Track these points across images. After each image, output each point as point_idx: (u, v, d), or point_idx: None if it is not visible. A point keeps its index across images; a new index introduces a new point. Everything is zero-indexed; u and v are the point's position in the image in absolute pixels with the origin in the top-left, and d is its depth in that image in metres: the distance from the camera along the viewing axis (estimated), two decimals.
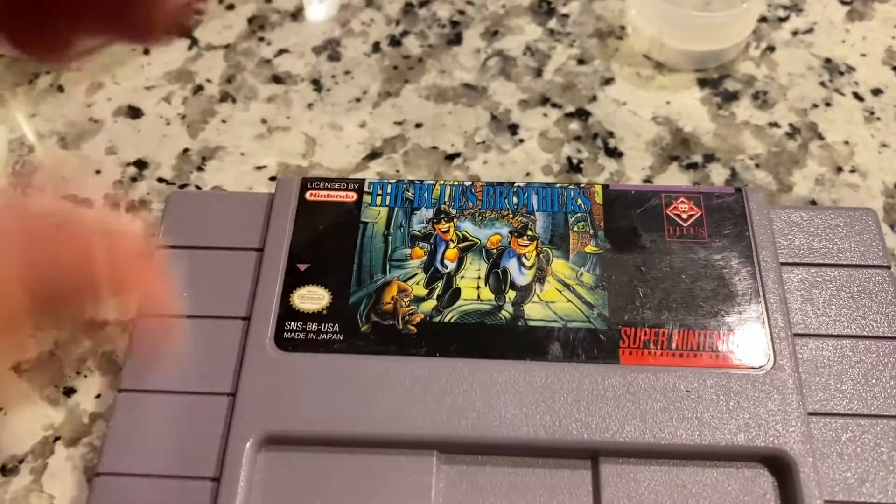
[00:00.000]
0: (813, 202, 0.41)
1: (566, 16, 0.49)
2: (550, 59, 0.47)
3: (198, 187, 0.43)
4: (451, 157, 0.44)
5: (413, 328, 0.35)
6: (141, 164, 0.44)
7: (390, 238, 0.37)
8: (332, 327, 0.35)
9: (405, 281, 0.36)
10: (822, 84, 0.46)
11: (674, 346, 0.34)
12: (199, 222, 0.38)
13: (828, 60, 0.47)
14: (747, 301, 0.35)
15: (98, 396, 0.37)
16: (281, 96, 0.46)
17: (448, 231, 0.37)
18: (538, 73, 0.47)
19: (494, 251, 0.37)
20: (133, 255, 0.30)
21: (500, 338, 0.34)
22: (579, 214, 0.38)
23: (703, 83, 0.46)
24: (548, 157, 0.43)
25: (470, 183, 0.39)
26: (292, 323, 0.35)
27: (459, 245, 0.37)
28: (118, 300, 0.33)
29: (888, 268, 0.36)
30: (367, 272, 0.36)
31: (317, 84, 0.47)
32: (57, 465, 0.35)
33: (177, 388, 0.34)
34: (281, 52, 0.48)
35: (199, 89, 0.47)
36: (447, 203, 0.38)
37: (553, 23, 0.49)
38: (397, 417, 0.33)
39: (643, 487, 0.31)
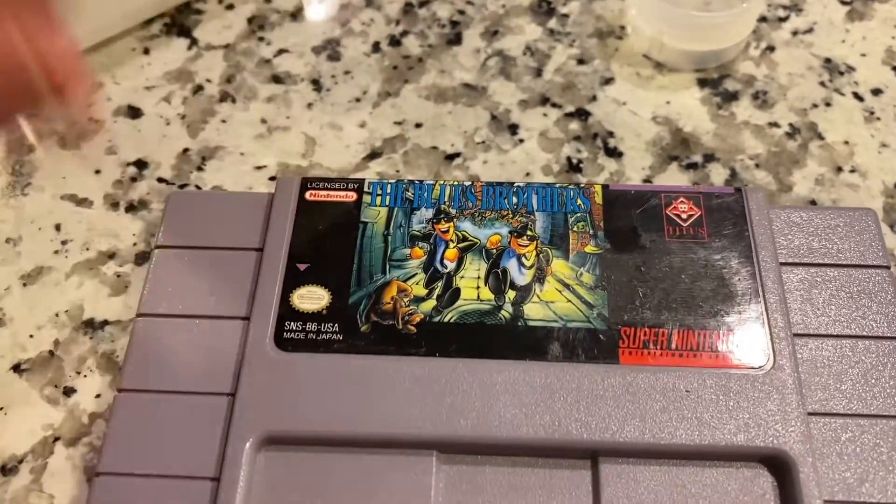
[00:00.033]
0: (813, 202, 0.41)
1: (566, 16, 0.49)
2: (550, 59, 0.47)
3: (198, 187, 0.43)
4: (450, 157, 0.44)
5: (413, 328, 0.35)
6: (141, 164, 0.44)
7: (390, 238, 0.37)
8: (332, 327, 0.35)
9: (405, 281, 0.36)
10: (822, 84, 0.46)
11: (673, 346, 0.34)
12: (198, 222, 0.38)
13: (828, 60, 0.47)
14: (747, 301, 0.35)
15: (98, 396, 0.37)
16: (281, 96, 0.46)
17: (448, 231, 0.37)
18: (538, 72, 0.47)
19: (494, 251, 0.37)
20: (60, 50, 0.30)
21: (499, 338, 0.34)
22: (579, 214, 0.38)
23: (702, 83, 0.46)
24: (547, 157, 0.43)
25: (470, 183, 0.39)
26: (292, 323, 0.35)
27: (459, 245, 0.37)
28: (53, 96, 0.32)
29: (888, 268, 0.36)
30: (366, 272, 0.36)
31: (316, 84, 0.47)
32: (57, 465, 0.35)
33: (177, 388, 0.34)
34: (281, 51, 0.48)
35: (198, 89, 0.47)
36: (447, 203, 0.38)
37: (553, 23, 0.49)
38: (397, 417, 0.33)
39: (643, 487, 0.31)
